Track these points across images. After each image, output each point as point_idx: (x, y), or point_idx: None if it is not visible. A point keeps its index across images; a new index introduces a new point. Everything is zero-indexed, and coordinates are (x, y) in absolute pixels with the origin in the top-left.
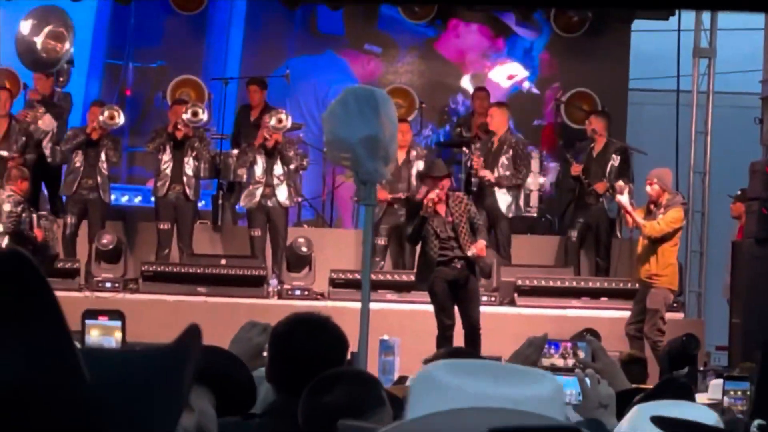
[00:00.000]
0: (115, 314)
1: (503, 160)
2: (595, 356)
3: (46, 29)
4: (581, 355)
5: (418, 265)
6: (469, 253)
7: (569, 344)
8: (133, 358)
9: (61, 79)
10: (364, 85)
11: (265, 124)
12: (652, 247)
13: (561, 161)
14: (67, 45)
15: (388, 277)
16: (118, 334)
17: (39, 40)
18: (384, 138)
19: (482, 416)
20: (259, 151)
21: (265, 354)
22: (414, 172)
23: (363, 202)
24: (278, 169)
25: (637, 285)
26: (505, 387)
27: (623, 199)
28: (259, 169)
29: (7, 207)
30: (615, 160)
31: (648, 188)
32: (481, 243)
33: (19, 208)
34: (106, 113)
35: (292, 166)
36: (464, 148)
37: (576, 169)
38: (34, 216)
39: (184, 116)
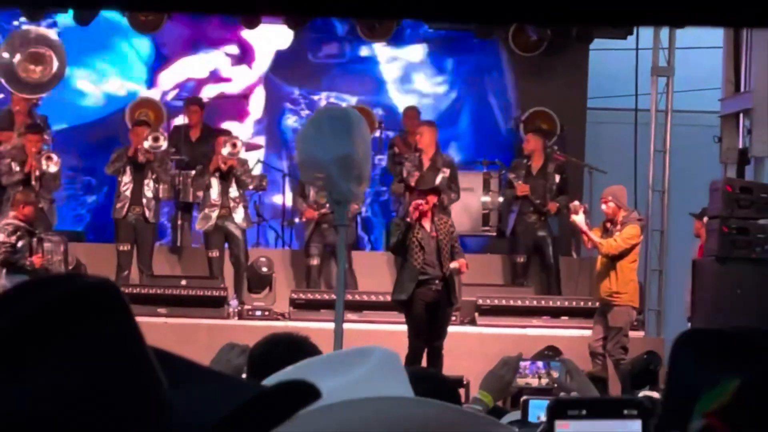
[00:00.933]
0: None
1: (440, 179)
2: (570, 375)
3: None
4: (555, 375)
5: (399, 276)
6: (452, 265)
7: (541, 364)
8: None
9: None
10: (337, 105)
11: (219, 149)
12: (610, 265)
13: (505, 182)
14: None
15: (348, 297)
16: None
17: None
18: (358, 158)
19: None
20: (214, 174)
21: (244, 376)
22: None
23: (337, 222)
24: (234, 191)
25: (597, 303)
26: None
27: (579, 219)
28: (214, 192)
29: (0, 237)
30: (555, 178)
31: (603, 206)
32: (463, 260)
33: (14, 237)
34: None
35: (250, 187)
36: (397, 167)
37: (523, 188)
38: (35, 240)
39: (145, 144)
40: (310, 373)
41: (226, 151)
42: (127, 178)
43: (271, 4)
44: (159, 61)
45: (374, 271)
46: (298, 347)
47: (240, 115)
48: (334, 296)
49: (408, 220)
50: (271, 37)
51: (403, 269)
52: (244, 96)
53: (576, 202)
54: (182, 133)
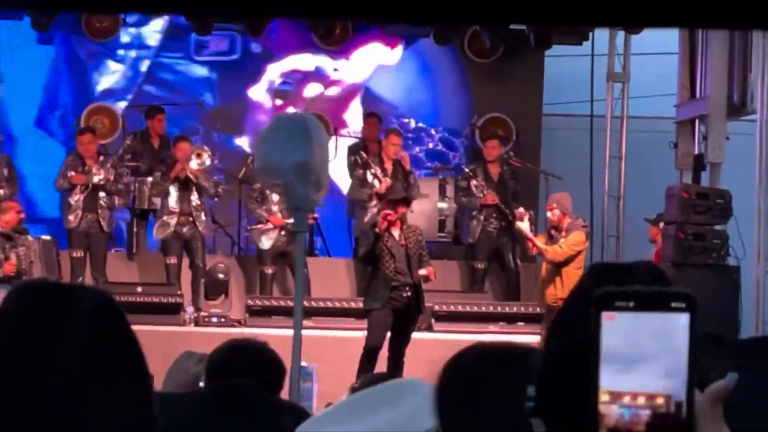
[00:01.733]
0: None
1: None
2: None
3: None
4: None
5: (369, 285)
6: (421, 273)
7: None
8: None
9: None
10: (295, 112)
11: (179, 156)
12: (555, 272)
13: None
14: None
15: (305, 303)
16: None
17: None
18: (315, 164)
19: None
20: (174, 182)
21: (201, 384)
22: None
23: (295, 228)
24: (195, 199)
25: (543, 310)
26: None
27: (524, 225)
28: (172, 200)
29: None
30: (512, 185)
31: (548, 213)
32: (431, 268)
33: None
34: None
35: (211, 194)
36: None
37: (493, 198)
38: (7, 247)
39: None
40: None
41: (194, 163)
42: (77, 192)
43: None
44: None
45: (328, 277)
46: (256, 353)
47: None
48: (290, 303)
49: (376, 230)
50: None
51: (373, 277)
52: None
53: (521, 209)
54: (141, 140)
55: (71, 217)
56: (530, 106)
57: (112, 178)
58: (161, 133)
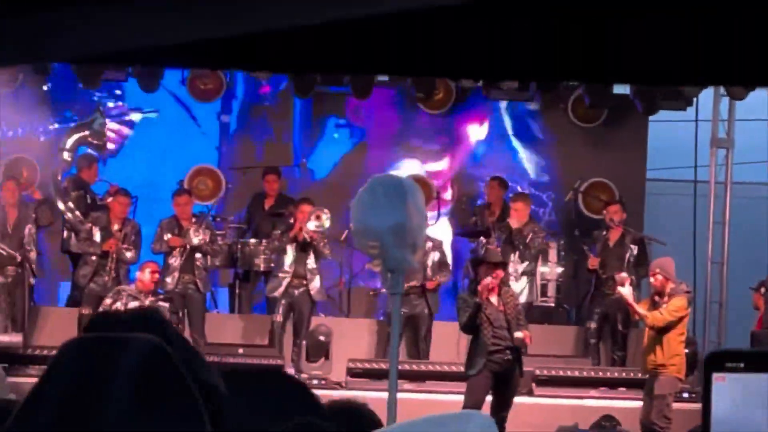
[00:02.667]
0: None
1: (521, 247)
2: None
3: None
4: None
5: (470, 352)
6: (517, 335)
7: None
8: None
9: None
10: (391, 174)
11: (300, 218)
12: (657, 338)
13: (578, 252)
14: None
15: (405, 366)
16: None
17: None
18: (412, 226)
19: None
20: (291, 241)
21: None
22: (430, 262)
23: (391, 290)
24: (311, 262)
25: (647, 376)
26: None
27: (625, 291)
28: (288, 259)
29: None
30: (633, 250)
31: (651, 279)
32: (527, 332)
33: (112, 301)
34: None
35: (327, 257)
36: (482, 238)
37: (593, 262)
38: (130, 304)
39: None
40: None
41: (312, 225)
42: (176, 252)
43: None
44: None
45: (442, 341)
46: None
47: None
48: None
49: (477, 300)
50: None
51: (473, 344)
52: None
53: (623, 274)
54: (256, 202)
55: (168, 280)
56: (634, 170)
57: (207, 239)
58: (274, 194)
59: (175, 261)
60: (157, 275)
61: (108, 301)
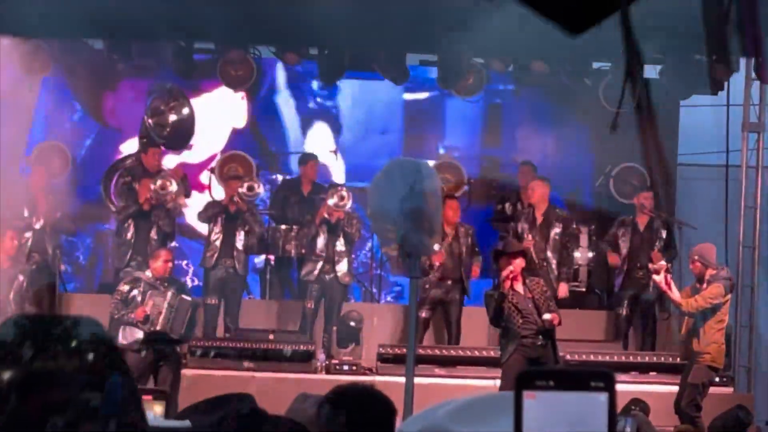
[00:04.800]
0: (159, 394)
1: (553, 235)
2: (640, 430)
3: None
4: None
5: (501, 342)
6: (545, 317)
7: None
8: None
9: None
10: (409, 158)
11: (325, 201)
12: (695, 325)
13: (609, 238)
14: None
15: (436, 351)
16: (159, 409)
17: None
18: (429, 210)
19: None
20: (321, 226)
21: None
22: (464, 249)
23: (409, 274)
24: (340, 245)
25: (686, 361)
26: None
27: (659, 278)
28: (320, 243)
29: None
30: (662, 234)
31: (690, 266)
32: (556, 314)
33: (128, 287)
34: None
35: (356, 239)
36: (511, 224)
37: (613, 260)
38: (148, 293)
39: (240, 190)
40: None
41: (332, 201)
42: (217, 228)
43: None
44: None
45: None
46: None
47: None
48: (420, 351)
49: (501, 290)
50: None
51: (504, 335)
52: None
53: (662, 262)
54: (289, 188)
55: (208, 255)
56: (666, 155)
57: (251, 213)
58: (311, 180)
59: (217, 239)
60: (170, 264)
61: (125, 287)
